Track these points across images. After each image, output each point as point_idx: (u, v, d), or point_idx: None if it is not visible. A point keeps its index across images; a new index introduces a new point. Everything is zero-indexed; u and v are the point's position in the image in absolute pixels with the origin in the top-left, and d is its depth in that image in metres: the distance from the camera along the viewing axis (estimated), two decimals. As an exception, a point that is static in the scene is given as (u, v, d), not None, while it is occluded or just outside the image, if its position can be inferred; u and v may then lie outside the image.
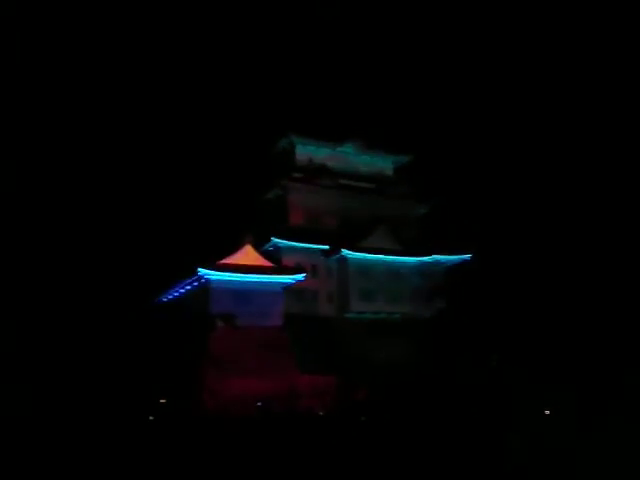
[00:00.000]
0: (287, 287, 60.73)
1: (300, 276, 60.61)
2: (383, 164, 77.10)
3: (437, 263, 70.74)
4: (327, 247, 65.02)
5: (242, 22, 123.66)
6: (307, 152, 71.90)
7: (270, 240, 62.06)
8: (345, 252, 64.10)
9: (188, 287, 60.43)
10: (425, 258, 68.86)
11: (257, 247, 60.30)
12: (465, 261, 71.29)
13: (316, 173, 70.25)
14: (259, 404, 49.20)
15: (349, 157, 74.53)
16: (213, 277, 56.01)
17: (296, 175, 69.33)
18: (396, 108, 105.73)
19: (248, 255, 59.05)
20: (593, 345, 33.17)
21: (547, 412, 25.59)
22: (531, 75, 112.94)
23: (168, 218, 79.82)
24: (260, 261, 59.47)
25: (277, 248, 63.06)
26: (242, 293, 57.26)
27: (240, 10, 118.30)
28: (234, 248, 58.86)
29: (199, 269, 55.17)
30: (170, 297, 66.19)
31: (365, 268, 66.07)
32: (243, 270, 57.31)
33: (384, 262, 66.77)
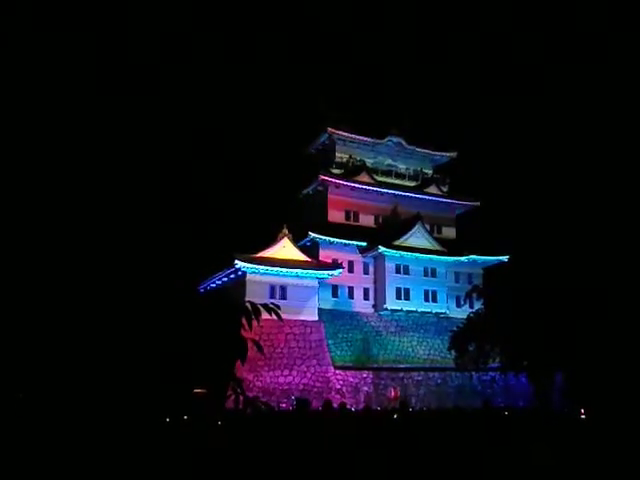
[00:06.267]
0: (323, 282, 60.94)
1: (336, 271, 60.69)
2: (423, 162, 76.67)
3: (474, 263, 70.26)
4: (364, 244, 64.94)
5: (280, 18, 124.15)
6: (347, 148, 71.92)
7: (308, 235, 62.25)
8: (382, 249, 63.97)
9: (225, 279, 61.06)
10: (462, 258, 68.38)
11: (295, 241, 60.60)
12: (503, 263, 70.67)
13: (355, 170, 70.21)
14: (293, 397, 49.57)
15: (389, 154, 74.30)
16: (249, 269, 56.50)
17: (335, 171, 69.44)
18: (438, 105, 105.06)
19: (285, 249, 59.39)
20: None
21: (583, 416, 25.26)
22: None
23: (209, 212, 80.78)
24: (297, 255, 59.75)
25: (314, 243, 63.26)
26: (278, 286, 57.67)
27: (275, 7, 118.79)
28: (271, 241, 59.31)
29: (236, 261, 55.70)
30: (208, 288, 66.97)
31: (402, 266, 65.91)
32: (279, 263, 57.65)
33: (421, 260, 66.51)
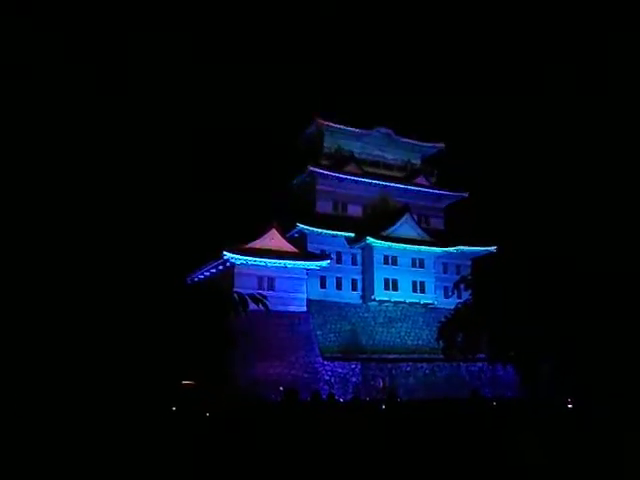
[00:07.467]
0: (311, 273, 60.92)
1: (324, 262, 60.71)
2: (411, 153, 76.56)
3: (462, 254, 70.43)
4: (352, 235, 64.91)
5: (272, 12, 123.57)
6: (335, 139, 71.69)
7: (296, 226, 62.14)
8: (370, 240, 63.98)
9: (213, 270, 60.90)
10: (450, 249, 68.53)
11: (283, 233, 60.50)
12: (491, 253, 70.82)
13: (343, 161, 70.04)
14: (281, 388, 49.57)
15: (377, 145, 74.15)
16: (238, 261, 56.40)
17: (323, 162, 69.25)
18: (426, 96, 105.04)
19: (273, 240, 59.30)
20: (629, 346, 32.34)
21: (570, 405, 25.36)
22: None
23: (196, 202, 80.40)
24: (285, 246, 59.69)
25: (302, 234, 63.15)
26: (266, 277, 57.62)
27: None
28: (260, 233, 59.18)
29: (224, 252, 55.55)
30: (195, 279, 66.79)
31: (390, 257, 65.95)
32: (268, 254, 57.59)
33: (409, 251, 66.55)
